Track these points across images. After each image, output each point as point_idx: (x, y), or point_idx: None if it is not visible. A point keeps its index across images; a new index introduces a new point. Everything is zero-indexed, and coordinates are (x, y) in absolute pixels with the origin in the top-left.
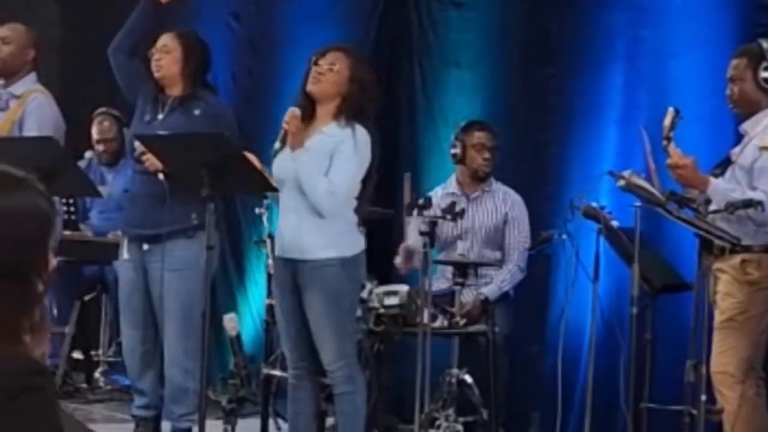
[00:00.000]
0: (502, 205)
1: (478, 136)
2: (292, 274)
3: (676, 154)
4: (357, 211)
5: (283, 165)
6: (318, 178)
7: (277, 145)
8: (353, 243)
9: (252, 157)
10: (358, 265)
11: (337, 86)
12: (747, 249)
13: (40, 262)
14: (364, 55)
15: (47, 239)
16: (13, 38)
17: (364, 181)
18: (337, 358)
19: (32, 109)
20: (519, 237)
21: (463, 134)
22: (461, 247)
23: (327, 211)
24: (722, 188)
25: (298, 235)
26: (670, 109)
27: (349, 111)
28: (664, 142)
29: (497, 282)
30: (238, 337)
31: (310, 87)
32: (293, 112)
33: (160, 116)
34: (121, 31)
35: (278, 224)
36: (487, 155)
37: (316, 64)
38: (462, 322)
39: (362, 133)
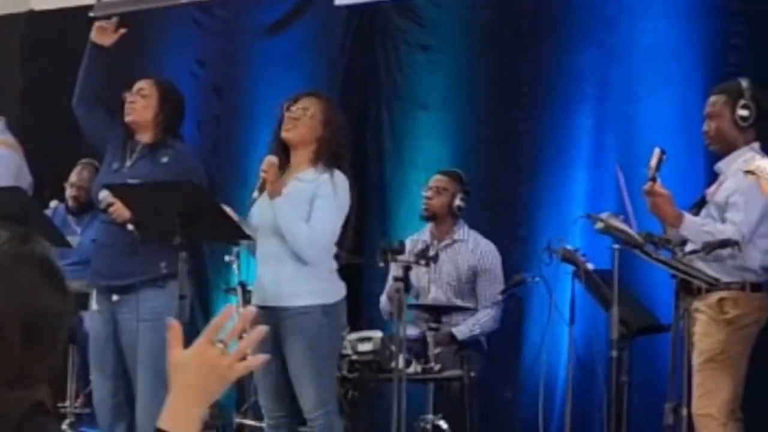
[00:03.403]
0: (471, 255)
1: (433, 179)
2: (273, 322)
3: (658, 187)
4: (337, 257)
5: (262, 213)
6: (299, 226)
7: (255, 194)
8: (334, 290)
9: (227, 209)
10: (340, 313)
11: (312, 131)
12: (724, 287)
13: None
14: (333, 100)
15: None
16: None
17: (343, 226)
18: (317, 407)
19: None
20: (491, 288)
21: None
22: (433, 292)
23: (308, 259)
24: (697, 223)
25: (278, 282)
26: (657, 150)
27: (326, 155)
28: (650, 183)
29: (468, 324)
30: None
31: (285, 133)
32: (271, 160)
33: (128, 163)
34: (77, 81)
35: (257, 273)
36: (428, 194)
37: (287, 110)
38: (437, 367)
39: (341, 178)
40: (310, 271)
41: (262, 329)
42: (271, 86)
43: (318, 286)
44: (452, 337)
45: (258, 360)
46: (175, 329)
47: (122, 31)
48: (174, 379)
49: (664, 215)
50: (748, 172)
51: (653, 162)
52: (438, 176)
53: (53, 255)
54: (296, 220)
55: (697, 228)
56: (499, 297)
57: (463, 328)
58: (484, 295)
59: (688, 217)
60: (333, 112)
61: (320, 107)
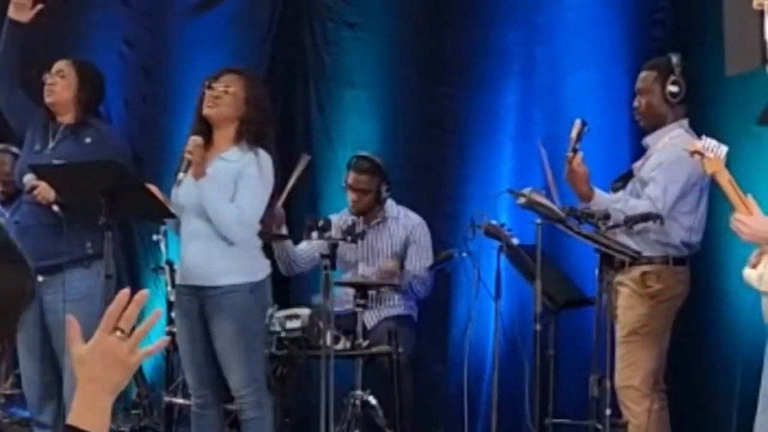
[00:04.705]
0: (402, 230)
1: (351, 177)
2: (199, 302)
3: (576, 161)
4: (261, 235)
5: (187, 193)
6: (226, 206)
7: (180, 175)
8: (260, 268)
9: (153, 188)
10: (266, 290)
11: (234, 109)
12: (647, 261)
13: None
14: (258, 77)
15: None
16: None
17: (268, 205)
18: (246, 384)
19: None
20: (420, 260)
21: (347, 169)
22: (362, 269)
23: (237, 238)
24: (607, 200)
25: (205, 262)
26: (577, 121)
27: (249, 134)
28: (570, 154)
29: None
30: (140, 366)
31: (207, 111)
32: (196, 141)
33: (51, 145)
34: None
35: (181, 252)
36: (353, 197)
37: (209, 87)
38: (365, 343)
39: (265, 158)
40: (237, 250)
41: (157, 312)
42: (198, 65)
43: (245, 265)
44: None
45: (160, 344)
46: (72, 325)
47: (39, 6)
48: (78, 374)
49: (577, 190)
50: (694, 152)
51: (574, 133)
52: (357, 176)
53: (9, 234)
54: (222, 200)
55: (606, 205)
56: (428, 270)
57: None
58: (413, 267)
59: (598, 194)
60: (256, 89)
61: (242, 85)
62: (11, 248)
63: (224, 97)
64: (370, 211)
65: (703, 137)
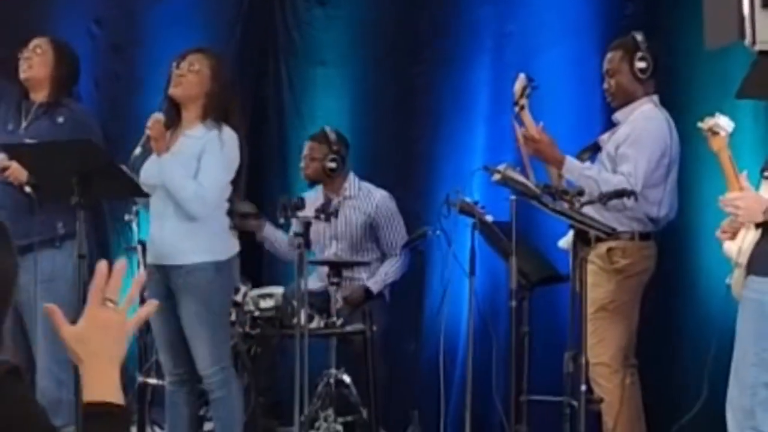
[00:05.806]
0: (365, 209)
1: (304, 146)
2: (166, 280)
3: (533, 127)
4: (230, 213)
5: (151, 170)
6: (185, 181)
7: (137, 150)
8: (226, 246)
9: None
10: (232, 269)
11: (199, 87)
12: (613, 237)
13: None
14: (224, 55)
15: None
16: None
17: (235, 183)
18: (212, 363)
19: None
20: (395, 236)
21: None
22: (334, 247)
23: (197, 215)
24: (577, 166)
25: (169, 240)
26: (521, 75)
27: (215, 111)
28: (516, 109)
29: (381, 274)
30: None
31: (172, 90)
32: (156, 117)
33: (24, 124)
34: None
35: (149, 230)
36: (302, 163)
37: (176, 67)
38: (339, 322)
39: (229, 134)
40: (201, 227)
41: (140, 277)
42: (169, 44)
43: (209, 243)
44: (367, 291)
45: (150, 308)
46: (54, 311)
47: None
48: (77, 354)
49: (546, 158)
50: (710, 131)
51: (516, 87)
52: (308, 143)
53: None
54: (182, 175)
55: (579, 171)
56: (404, 240)
57: (377, 279)
58: (389, 244)
59: (569, 159)
60: (221, 67)
61: (208, 63)
62: (3, 231)
63: (188, 76)
64: (327, 183)
65: (717, 114)
